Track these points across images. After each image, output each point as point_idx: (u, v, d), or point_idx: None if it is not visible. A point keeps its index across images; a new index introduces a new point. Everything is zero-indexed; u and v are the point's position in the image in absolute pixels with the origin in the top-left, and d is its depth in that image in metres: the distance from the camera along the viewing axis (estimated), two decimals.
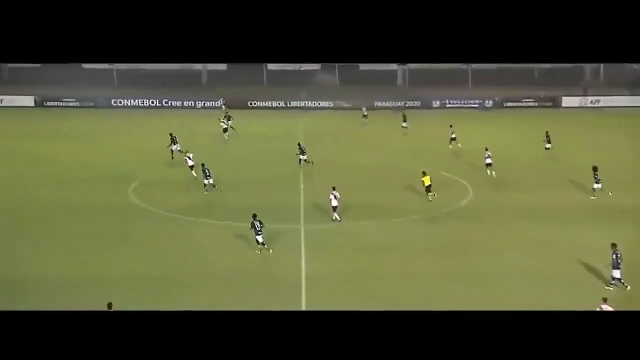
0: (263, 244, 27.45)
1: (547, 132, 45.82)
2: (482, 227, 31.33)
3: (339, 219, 30.97)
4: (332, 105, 69.53)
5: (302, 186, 37.52)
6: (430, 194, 34.56)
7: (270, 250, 27.58)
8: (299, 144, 41.83)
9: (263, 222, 27.41)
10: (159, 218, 32.17)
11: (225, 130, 51.07)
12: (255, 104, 69.83)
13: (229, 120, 52.45)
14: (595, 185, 34.48)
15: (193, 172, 38.11)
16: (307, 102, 70.00)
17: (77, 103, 68.65)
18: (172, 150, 42.61)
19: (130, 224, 31.00)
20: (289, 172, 40.86)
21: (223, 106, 62.64)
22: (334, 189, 31.30)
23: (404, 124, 53.87)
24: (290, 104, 69.78)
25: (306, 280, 25.27)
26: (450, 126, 47.66)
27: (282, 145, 49.78)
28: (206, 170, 35.76)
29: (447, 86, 72.23)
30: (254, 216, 27.58)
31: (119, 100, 69.35)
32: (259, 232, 27.26)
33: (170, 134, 43.54)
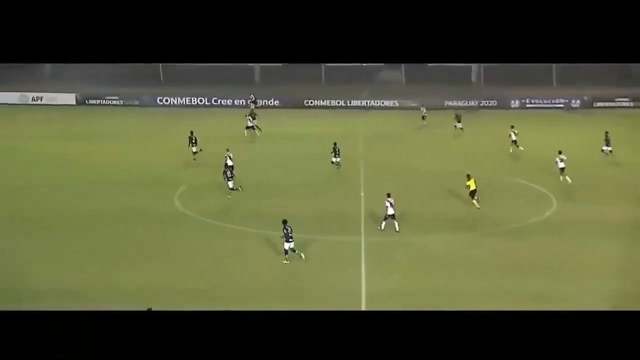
0: (293, 250, 27.40)
1: (606, 132, 44.35)
2: (569, 244, 29.94)
3: (396, 229, 30.47)
4: (397, 104, 68.89)
5: (362, 194, 36.82)
6: (475, 200, 33.76)
7: (302, 255, 27.34)
8: (334, 144, 41.66)
9: (292, 229, 27.30)
10: (206, 227, 31.94)
11: (248, 128, 51.26)
12: (311, 102, 69.75)
13: (253, 118, 52.86)
14: None
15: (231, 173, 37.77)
16: (369, 102, 69.67)
17: (121, 101, 69.84)
18: (193, 152, 43.15)
19: (176, 233, 30.85)
20: (346, 178, 40.23)
21: (252, 104, 62.60)
22: (388, 195, 30.78)
23: (459, 125, 52.82)
24: (350, 103, 69.60)
25: (367, 299, 24.52)
26: (512, 127, 46.84)
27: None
28: (227, 172, 35.72)
29: (527, 84, 70.32)
30: (284, 222, 27.43)
31: (165, 98, 70.29)
32: (290, 239, 27.19)
33: (191, 133, 43.70)
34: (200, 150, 43.01)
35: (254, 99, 65.24)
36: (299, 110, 66.56)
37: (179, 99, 70.01)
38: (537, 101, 67.66)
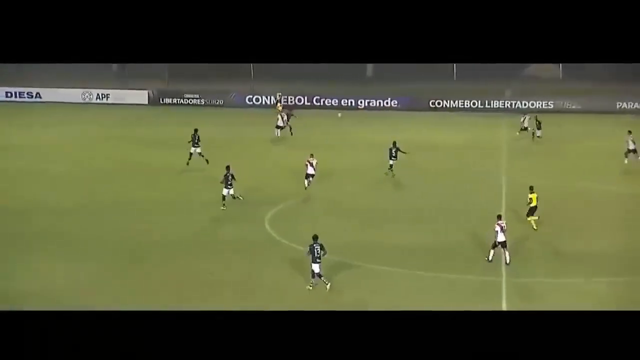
0: (320, 275, 27.45)
1: (629, 131, 46.28)
2: None
3: (507, 260, 29.96)
4: (551, 106, 66.72)
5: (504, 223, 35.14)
6: (533, 218, 34.19)
7: (328, 285, 27.28)
8: (394, 143, 43.28)
9: (324, 247, 27.40)
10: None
11: (278, 127, 52.77)
12: (439, 103, 68.75)
13: (288, 118, 54.39)
14: None
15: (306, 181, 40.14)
16: (513, 102, 67.89)
17: (202, 100, 70.80)
18: (190, 153, 44.58)
19: (265, 268, 30.13)
20: (487, 200, 38.51)
21: (278, 103, 61.73)
22: (499, 218, 30.55)
23: (538, 133, 51.43)
24: (490, 104, 68.31)
25: None
26: (629, 132, 46.06)
27: (478, 159, 47.92)
28: (229, 177, 36.54)
29: None
30: (315, 238, 27.51)
31: (255, 97, 70.89)
32: (317, 260, 27.30)
33: (195, 131, 44.99)
34: (201, 154, 44.37)
35: (281, 95, 64.36)
36: (422, 113, 65.87)
37: (273, 97, 70.13)
38: None
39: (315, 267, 27.50)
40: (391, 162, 43.12)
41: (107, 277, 28.82)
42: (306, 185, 40.07)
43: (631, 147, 45.46)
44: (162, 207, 37.54)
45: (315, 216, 36.47)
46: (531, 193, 34.43)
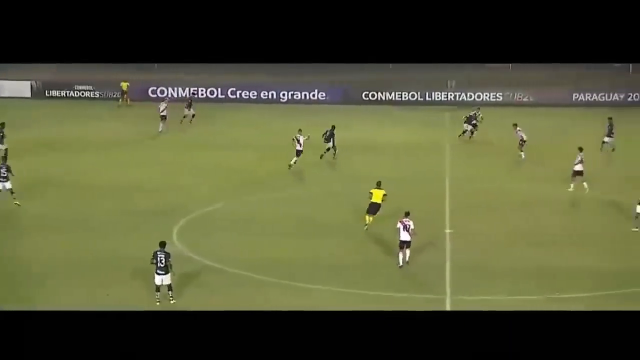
0: (169, 288, 27.60)
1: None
2: None
3: (406, 260, 31.29)
4: (500, 98, 68.12)
5: (447, 231, 35.21)
6: (369, 216, 35.40)
7: (172, 302, 27.58)
8: (332, 127, 48.06)
9: (171, 256, 27.86)
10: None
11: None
12: (373, 96, 69.65)
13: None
14: None
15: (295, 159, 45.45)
16: (457, 94, 68.97)
17: (96, 93, 69.68)
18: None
19: None
20: (430, 207, 38.69)
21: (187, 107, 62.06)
22: (406, 215, 31.48)
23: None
24: (431, 96, 69.30)
25: None
26: (515, 125, 48.71)
27: (418, 160, 48.23)
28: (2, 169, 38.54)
29: None
30: (162, 245, 27.91)
31: (159, 88, 70.16)
32: (161, 271, 27.48)
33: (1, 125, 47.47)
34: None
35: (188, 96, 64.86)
36: (355, 107, 66.30)
37: (179, 89, 69.57)
38: None
39: (158, 279, 27.46)
40: (328, 144, 47.14)
41: None
42: (292, 163, 44.90)
43: (524, 137, 48.30)
44: (55, 223, 36.76)
45: (228, 227, 36.10)
46: (376, 188, 35.46)
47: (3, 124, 47.11)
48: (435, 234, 34.96)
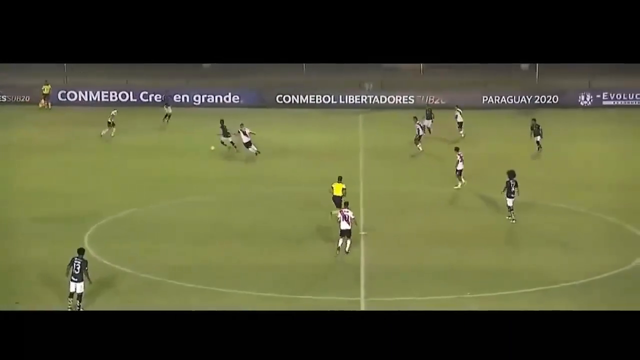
0: (79, 297, 27.12)
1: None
2: None
3: (346, 250, 32.01)
4: (412, 101, 68.51)
5: (362, 233, 35.36)
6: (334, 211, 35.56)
7: (81, 307, 27.03)
8: (221, 121, 50.19)
9: (88, 264, 27.48)
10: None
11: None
12: (287, 99, 69.50)
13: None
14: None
15: (251, 149, 48.33)
16: (371, 97, 69.32)
17: (3, 97, 68.30)
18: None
19: None
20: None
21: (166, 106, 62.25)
22: (345, 205, 32.89)
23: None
24: (345, 99, 69.47)
25: None
26: (415, 118, 50.18)
27: (332, 165, 48.41)
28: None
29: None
30: (80, 252, 27.52)
31: (69, 92, 68.82)
32: (75, 278, 27.06)
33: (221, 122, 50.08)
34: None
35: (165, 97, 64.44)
36: (269, 110, 66.10)
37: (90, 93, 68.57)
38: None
39: (72, 286, 27.00)
40: (224, 138, 49.67)
41: None
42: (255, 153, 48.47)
43: (421, 133, 51.15)
44: None
45: (145, 233, 35.73)
46: (337, 183, 36.75)
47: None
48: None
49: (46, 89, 66.32)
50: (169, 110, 59.60)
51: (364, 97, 69.35)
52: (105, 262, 32.01)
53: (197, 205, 40.20)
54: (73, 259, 27.28)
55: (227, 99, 69.29)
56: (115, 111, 55.34)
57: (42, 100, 66.11)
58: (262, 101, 68.70)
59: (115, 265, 31.76)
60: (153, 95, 68.16)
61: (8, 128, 58.82)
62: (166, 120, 59.32)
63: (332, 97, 69.33)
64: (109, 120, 54.07)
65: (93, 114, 60.24)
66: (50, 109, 65.74)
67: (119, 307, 27.22)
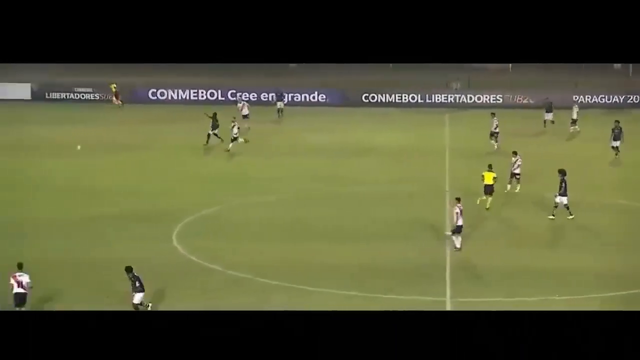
0: (141, 303, 27.03)
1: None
2: None
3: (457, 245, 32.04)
4: (500, 100, 67.83)
5: (447, 232, 35.29)
6: (482, 198, 38.51)
7: (149, 306, 27.11)
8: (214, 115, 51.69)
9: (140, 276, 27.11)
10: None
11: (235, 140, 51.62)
12: (373, 98, 69.42)
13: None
14: None
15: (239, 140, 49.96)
16: (458, 97, 68.78)
17: (96, 95, 69.56)
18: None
19: None
20: (431, 211, 38.73)
21: (279, 101, 64.02)
22: (458, 200, 33.28)
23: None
24: (431, 98, 69.25)
25: None
26: (493, 114, 50.07)
27: (420, 164, 48.16)
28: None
29: None
30: (129, 269, 27.08)
31: (160, 90, 70.05)
32: (140, 288, 26.84)
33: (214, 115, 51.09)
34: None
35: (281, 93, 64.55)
36: (355, 109, 66.19)
37: (179, 91, 69.60)
38: None
39: (138, 297, 26.85)
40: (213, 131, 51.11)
41: None
42: (229, 148, 49.65)
43: (494, 129, 50.78)
44: (51, 226, 36.69)
45: (230, 231, 36.12)
46: (488, 171, 38.29)
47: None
48: (437, 236, 35.15)
49: (113, 88, 67.58)
50: (281, 105, 63.03)
51: (450, 97, 69.04)
52: (193, 259, 32.52)
53: (280, 203, 40.42)
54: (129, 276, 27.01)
55: (314, 97, 69.67)
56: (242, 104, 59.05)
57: (114, 98, 67.41)
58: (347, 100, 68.82)
59: (204, 262, 32.21)
60: (240, 94, 68.78)
61: (98, 126, 60.01)
62: (280, 115, 62.39)
63: (419, 96, 69.14)
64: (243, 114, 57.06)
65: (179, 111, 61.10)
66: (121, 106, 66.85)
67: (207, 303, 27.65)
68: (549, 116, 57.65)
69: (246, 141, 50.45)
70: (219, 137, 50.83)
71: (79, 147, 47.85)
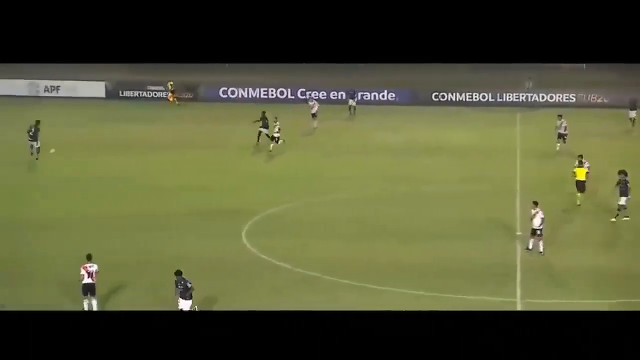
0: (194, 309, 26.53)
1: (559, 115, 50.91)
2: None
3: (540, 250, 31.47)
4: (573, 99, 67.02)
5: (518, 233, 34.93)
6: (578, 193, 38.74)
7: (196, 307, 26.50)
8: (263, 113, 50.96)
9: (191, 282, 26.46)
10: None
11: (274, 139, 51.01)
12: (443, 97, 69.21)
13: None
14: None
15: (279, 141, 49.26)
16: (529, 96, 68.12)
17: (168, 93, 70.41)
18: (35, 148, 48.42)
19: None
20: (501, 211, 38.41)
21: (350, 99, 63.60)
22: (536, 204, 32.79)
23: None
24: (502, 97, 68.70)
25: None
26: (559, 116, 49.34)
27: (489, 164, 47.81)
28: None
29: None
30: (178, 273, 26.54)
31: (230, 89, 70.67)
32: (188, 294, 26.15)
33: (37, 123, 48.52)
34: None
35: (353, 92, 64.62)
36: (424, 108, 65.97)
37: (250, 90, 70.13)
38: None
39: (184, 304, 26.36)
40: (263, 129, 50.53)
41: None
42: (271, 148, 48.90)
43: (562, 131, 50.11)
44: (117, 223, 37.14)
45: (299, 229, 36.26)
46: (578, 167, 38.49)
47: (38, 122, 48.13)
48: (506, 235, 34.87)
49: (170, 85, 68.26)
50: (353, 103, 63.24)
51: (522, 95, 68.35)
52: (262, 256, 32.73)
53: (346, 202, 40.38)
54: (176, 281, 26.54)
55: (383, 96, 69.55)
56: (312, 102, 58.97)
57: (170, 94, 68.21)
58: (417, 99, 68.56)
59: (273, 260, 32.41)
60: (310, 92, 68.96)
61: (169, 124, 60.62)
62: (352, 112, 62.84)
63: (490, 95, 68.58)
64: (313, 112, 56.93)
65: (249, 110, 61.16)
66: (178, 104, 67.47)
67: (277, 301, 27.85)
68: (632, 114, 56.64)
69: (283, 142, 50.04)
70: (269, 136, 50.52)
71: (52, 150, 47.70)
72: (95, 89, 71.16)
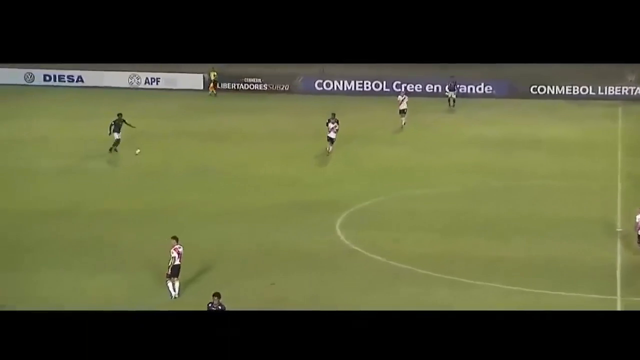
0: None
1: None
2: None
3: None
4: None
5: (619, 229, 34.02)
6: None
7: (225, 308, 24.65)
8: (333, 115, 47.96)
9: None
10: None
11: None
12: (542, 90, 67.81)
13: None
14: None
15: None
16: (632, 89, 66.57)
17: (264, 85, 70.72)
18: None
19: None
20: (601, 207, 37.50)
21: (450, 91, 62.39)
22: None
23: None
24: (604, 90, 67.05)
25: None
26: None
27: (589, 159, 46.80)
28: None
29: None
30: (216, 296, 24.17)
31: (326, 81, 70.68)
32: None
33: (119, 115, 48.24)
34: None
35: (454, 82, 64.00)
36: (523, 101, 64.88)
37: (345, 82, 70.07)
38: None
39: None
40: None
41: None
42: (329, 150, 46.96)
43: None
44: (216, 213, 37.38)
45: (392, 222, 36.00)
46: None
47: (120, 115, 48.29)
48: (607, 233, 34.01)
49: (213, 76, 68.46)
50: (453, 95, 62.82)
51: (624, 89, 66.63)
52: (356, 249, 32.59)
53: (443, 196, 39.96)
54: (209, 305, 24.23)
55: (480, 89, 68.63)
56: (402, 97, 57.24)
57: (211, 85, 68.60)
58: (515, 91, 67.45)
59: (366, 252, 32.24)
60: (406, 85, 68.41)
61: (265, 115, 60.83)
62: (451, 105, 62.38)
63: (590, 88, 67.04)
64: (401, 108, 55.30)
65: (344, 102, 60.96)
66: (216, 95, 67.90)
67: (369, 294, 27.72)
68: None
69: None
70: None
71: (138, 151, 47.29)
72: (194, 81, 71.87)
